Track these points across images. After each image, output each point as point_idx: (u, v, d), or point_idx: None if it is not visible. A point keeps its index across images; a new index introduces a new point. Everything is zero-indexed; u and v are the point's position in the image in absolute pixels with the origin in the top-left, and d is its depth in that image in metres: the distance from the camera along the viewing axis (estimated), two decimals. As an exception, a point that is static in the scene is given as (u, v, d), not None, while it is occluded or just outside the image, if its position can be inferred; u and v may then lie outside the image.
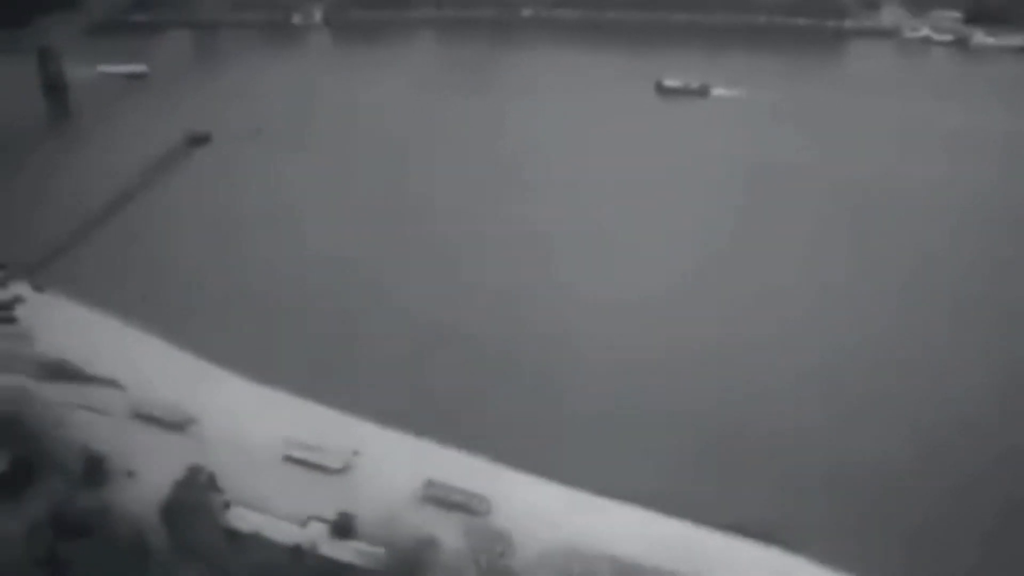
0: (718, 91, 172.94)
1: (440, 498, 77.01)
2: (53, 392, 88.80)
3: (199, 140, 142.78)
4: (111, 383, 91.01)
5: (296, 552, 71.25)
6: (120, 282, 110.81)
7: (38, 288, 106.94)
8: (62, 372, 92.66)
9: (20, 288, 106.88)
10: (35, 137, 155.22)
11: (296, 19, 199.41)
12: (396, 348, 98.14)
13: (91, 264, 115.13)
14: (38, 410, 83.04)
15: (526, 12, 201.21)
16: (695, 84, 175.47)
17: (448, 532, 71.92)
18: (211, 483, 77.05)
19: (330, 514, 74.88)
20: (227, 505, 75.48)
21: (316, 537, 72.99)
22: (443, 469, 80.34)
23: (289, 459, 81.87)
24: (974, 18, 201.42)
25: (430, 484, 78.00)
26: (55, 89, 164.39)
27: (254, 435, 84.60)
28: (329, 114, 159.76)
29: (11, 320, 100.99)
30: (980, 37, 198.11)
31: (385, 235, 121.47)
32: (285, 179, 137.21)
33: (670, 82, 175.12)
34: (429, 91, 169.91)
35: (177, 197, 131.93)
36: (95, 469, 78.61)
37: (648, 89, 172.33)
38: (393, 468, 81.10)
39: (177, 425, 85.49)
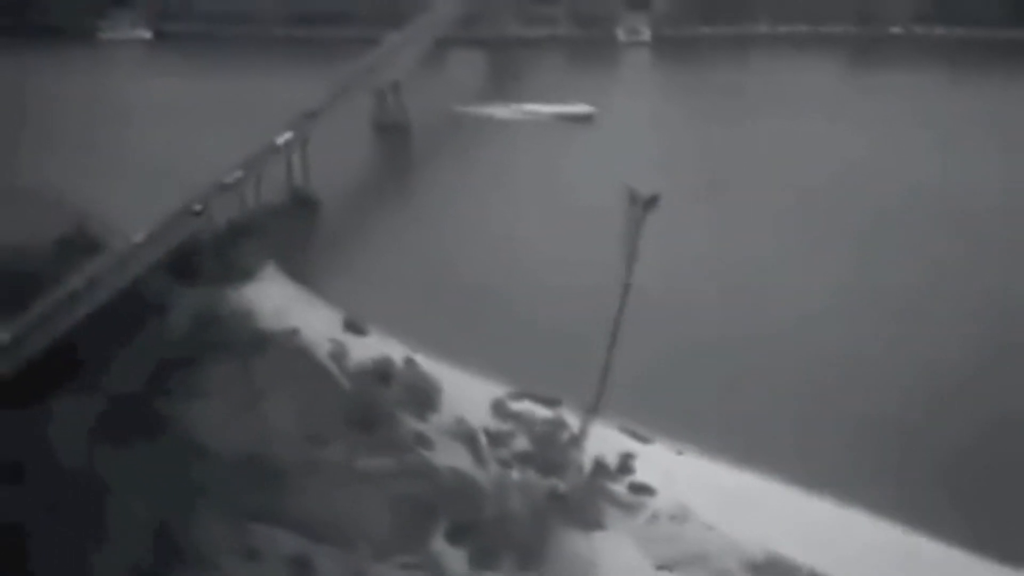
0: None
1: None
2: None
3: (651, 202, 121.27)
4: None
5: None
6: (715, 417, 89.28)
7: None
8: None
9: (619, 441, 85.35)
10: (376, 193, 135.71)
11: (621, 35, 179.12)
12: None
13: (648, 391, 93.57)
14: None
15: (895, 29, 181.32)
16: None
17: None
18: None
19: None
20: None
21: None
22: None
23: None
24: None
25: None
26: (393, 129, 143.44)
27: None
28: (730, 157, 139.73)
29: (647, 490, 79.32)
30: None
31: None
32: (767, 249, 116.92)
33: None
34: (822, 125, 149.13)
35: (668, 281, 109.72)
36: None
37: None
38: None
39: None
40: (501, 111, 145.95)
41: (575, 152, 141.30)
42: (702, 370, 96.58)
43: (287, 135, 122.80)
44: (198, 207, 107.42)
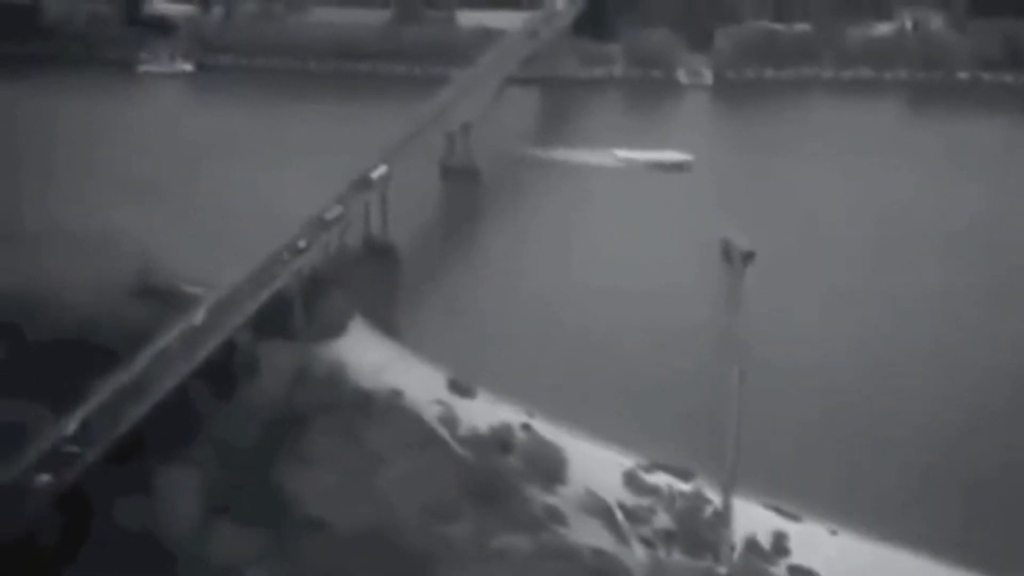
0: None
1: None
2: None
3: (748, 257, 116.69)
4: None
5: None
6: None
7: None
8: None
9: (766, 519, 79.67)
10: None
11: (682, 77, 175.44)
12: None
13: (782, 462, 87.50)
14: None
15: (962, 74, 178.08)
16: None
17: None
18: None
19: None
20: None
21: None
22: None
23: None
24: None
25: None
26: (463, 174, 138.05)
27: None
28: (811, 205, 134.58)
29: (810, 575, 73.91)
30: None
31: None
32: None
33: None
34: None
35: (778, 339, 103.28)
36: None
37: None
38: None
39: None
40: (592, 157, 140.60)
41: (650, 198, 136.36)
42: (833, 437, 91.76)
43: (381, 170, 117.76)
44: (302, 243, 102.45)
